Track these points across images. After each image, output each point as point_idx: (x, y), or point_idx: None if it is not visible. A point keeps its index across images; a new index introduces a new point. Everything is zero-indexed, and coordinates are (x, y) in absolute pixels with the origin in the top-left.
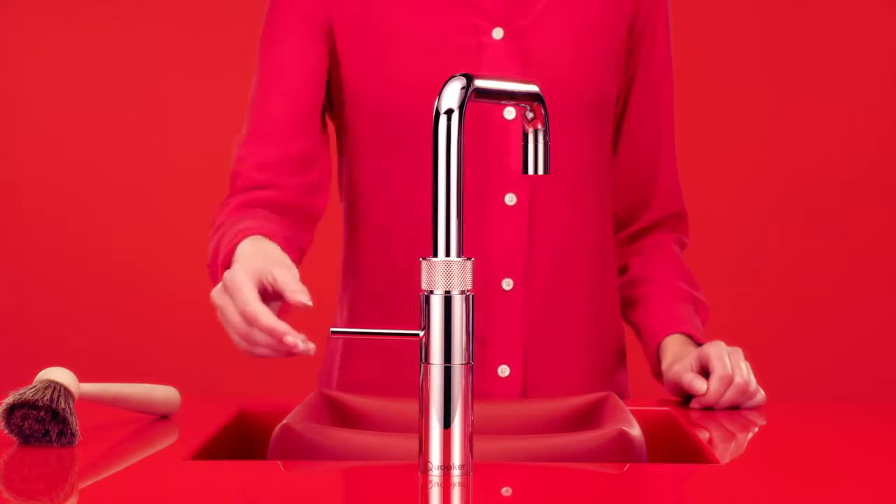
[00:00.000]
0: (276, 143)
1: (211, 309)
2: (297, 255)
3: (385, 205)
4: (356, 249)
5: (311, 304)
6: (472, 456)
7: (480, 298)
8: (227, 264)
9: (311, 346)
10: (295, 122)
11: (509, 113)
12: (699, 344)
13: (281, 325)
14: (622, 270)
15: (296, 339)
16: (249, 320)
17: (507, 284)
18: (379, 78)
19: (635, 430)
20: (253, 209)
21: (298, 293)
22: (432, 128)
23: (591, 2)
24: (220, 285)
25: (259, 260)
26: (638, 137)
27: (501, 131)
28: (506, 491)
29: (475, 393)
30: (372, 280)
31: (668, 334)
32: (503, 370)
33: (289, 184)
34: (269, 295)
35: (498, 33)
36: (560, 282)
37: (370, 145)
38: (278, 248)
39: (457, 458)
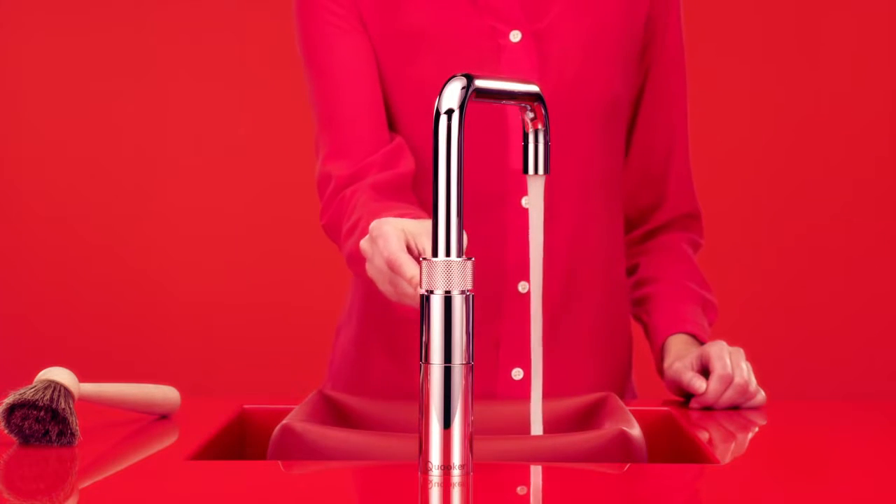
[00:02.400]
0: (362, 155)
1: (211, 309)
2: None
3: None
4: None
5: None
6: (472, 456)
7: (496, 301)
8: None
9: None
10: (372, 131)
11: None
12: (703, 344)
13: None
14: (632, 270)
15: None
16: (392, 267)
17: (523, 287)
18: (397, 81)
19: (635, 430)
20: (378, 193)
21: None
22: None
23: (608, 3)
24: (367, 236)
25: (411, 223)
26: (650, 137)
27: (517, 136)
28: (506, 491)
29: (489, 395)
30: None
31: (672, 333)
32: (517, 373)
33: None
34: (415, 257)
35: (516, 36)
36: (574, 285)
37: None
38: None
39: (457, 458)
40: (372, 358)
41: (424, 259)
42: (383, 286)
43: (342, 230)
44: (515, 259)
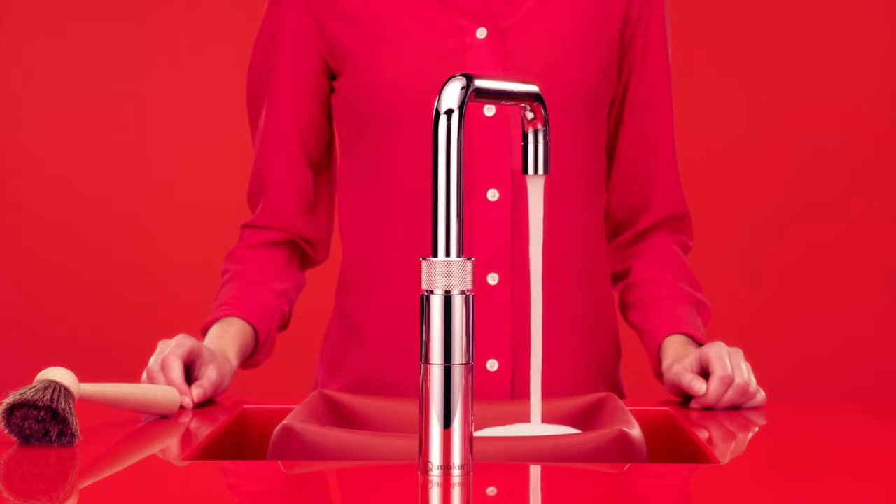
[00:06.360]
0: (284, 230)
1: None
2: (281, 316)
3: (372, 206)
4: (347, 243)
5: (189, 403)
6: (472, 456)
7: None
8: (206, 329)
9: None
10: (300, 205)
11: (489, 110)
12: (700, 344)
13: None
14: (624, 274)
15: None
16: (161, 368)
17: (493, 279)
18: (365, 80)
19: (635, 430)
20: (254, 252)
21: (186, 395)
22: (431, 128)
23: (579, 3)
24: (179, 336)
25: (216, 344)
26: (635, 138)
27: (482, 128)
28: (506, 491)
29: None
30: (363, 282)
31: (668, 335)
32: (492, 364)
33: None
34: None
35: (482, 33)
36: (547, 277)
37: (357, 147)
38: (234, 339)
39: (457, 458)
40: (347, 350)
41: (425, 259)
42: (153, 363)
43: (217, 294)
44: (483, 252)
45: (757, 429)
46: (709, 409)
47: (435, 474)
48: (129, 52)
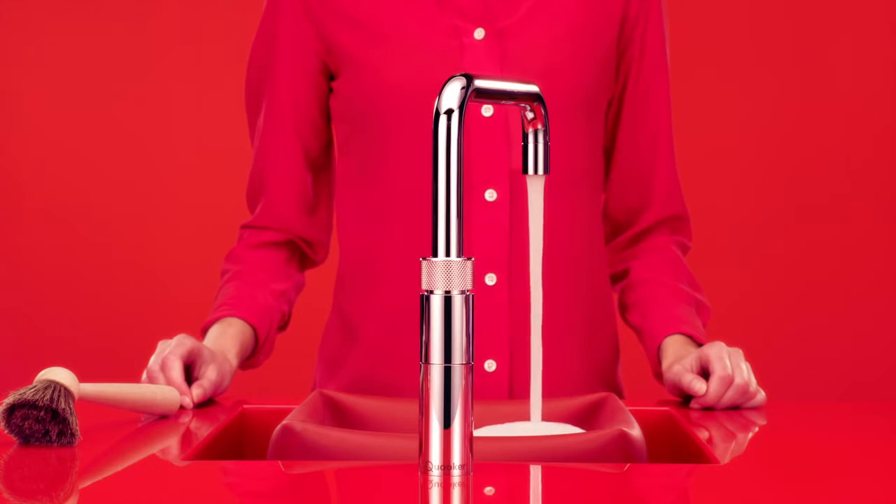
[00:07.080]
0: (283, 231)
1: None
2: (280, 316)
3: (371, 206)
4: (345, 243)
5: (189, 403)
6: (472, 456)
7: None
8: (205, 329)
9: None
10: (300, 206)
11: (487, 110)
12: (700, 344)
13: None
14: (622, 274)
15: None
16: (162, 368)
17: (491, 279)
18: (363, 81)
19: (635, 430)
20: (254, 252)
21: (186, 395)
22: (430, 128)
23: (577, 3)
24: (179, 336)
25: (216, 343)
26: (633, 138)
27: (480, 129)
28: (506, 491)
29: None
30: (361, 282)
31: (668, 335)
32: (490, 365)
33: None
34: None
35: (479, 34)
36: (546, 277)
37: (355, 147)
38: (234, 339)
39: (457, 458)
40: (345, 350)
41: (425, 259)
42: (153, 363)
43: (217, 296)
44: (481, 252)
45: (757, 429)
46: (709, 409)
47: (435, 474)
48: (130, 53)
